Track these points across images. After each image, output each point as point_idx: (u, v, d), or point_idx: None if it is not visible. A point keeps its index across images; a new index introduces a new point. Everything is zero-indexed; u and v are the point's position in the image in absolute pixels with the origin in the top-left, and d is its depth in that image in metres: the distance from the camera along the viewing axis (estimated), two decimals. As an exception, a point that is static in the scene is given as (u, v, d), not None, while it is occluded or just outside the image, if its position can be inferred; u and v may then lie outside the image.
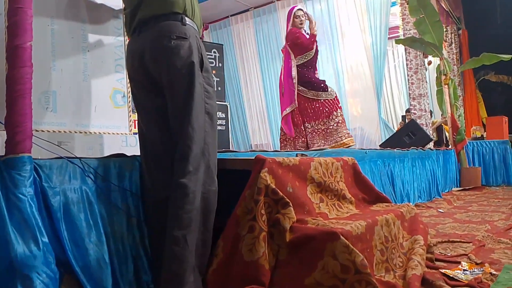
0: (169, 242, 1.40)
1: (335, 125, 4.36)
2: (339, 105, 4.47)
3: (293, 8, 4.66)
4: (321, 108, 4.39)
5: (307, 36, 4.50)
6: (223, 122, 6.31)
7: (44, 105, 1.99)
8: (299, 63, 4.47)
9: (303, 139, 4.47)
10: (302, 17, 4.55)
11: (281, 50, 4.89)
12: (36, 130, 1.82)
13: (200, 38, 1.67)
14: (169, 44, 1.52)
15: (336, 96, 4.49)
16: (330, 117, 4.38)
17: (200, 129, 1.51)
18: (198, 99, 1.52)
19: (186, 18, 1.59)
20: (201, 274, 1.49)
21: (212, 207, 1.56)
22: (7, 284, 1.16)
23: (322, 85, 4.45)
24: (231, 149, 5.91)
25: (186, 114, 1.49)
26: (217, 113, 5.86)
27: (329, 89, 4.45)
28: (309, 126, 4.44)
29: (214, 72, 6.32)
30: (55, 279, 1.25)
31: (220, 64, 6.67)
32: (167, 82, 1.54)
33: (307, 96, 4.43)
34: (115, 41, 2.33)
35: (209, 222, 1.55)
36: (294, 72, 4.46)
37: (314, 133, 4.41)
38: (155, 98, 1.61)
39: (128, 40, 1.85)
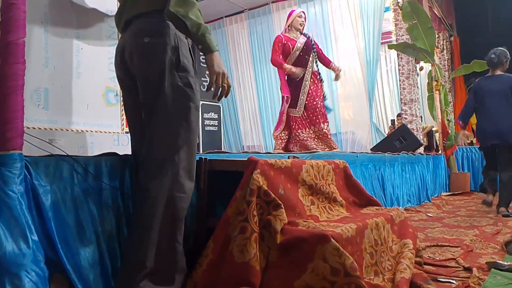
0: (128, 244, 1.41)
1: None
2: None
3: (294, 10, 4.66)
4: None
5: (280, 57, 4.44)
6: (215, 122, 6.28)
7: (36, 102, 1.98)
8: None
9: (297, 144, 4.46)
10: (304, 19, 4.55)
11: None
12: (27, 127, 1.80)
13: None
14: (142, 41, 1.48)
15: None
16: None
17: (168, 131, 1.46)
18: (168, 100, 1.46)
19: None
20: (168, 283, 1.44)
21: (181, 214, 1.46)
22: (-5, 282, 1.15)
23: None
24: (222, 150, 5.92)
25: (154, 116, 1.45)
26: (209, 113, 5.87)
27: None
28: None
29: (207, 72, 6.28)
30: (45, 277, 1.24)
31: (214, 65, 6.65)
32: (139, 81, 1.52)
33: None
34: (108, 40, 2.32)
35: (178, 230, 1.46)
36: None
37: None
38: (135, 97, 1.58)
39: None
